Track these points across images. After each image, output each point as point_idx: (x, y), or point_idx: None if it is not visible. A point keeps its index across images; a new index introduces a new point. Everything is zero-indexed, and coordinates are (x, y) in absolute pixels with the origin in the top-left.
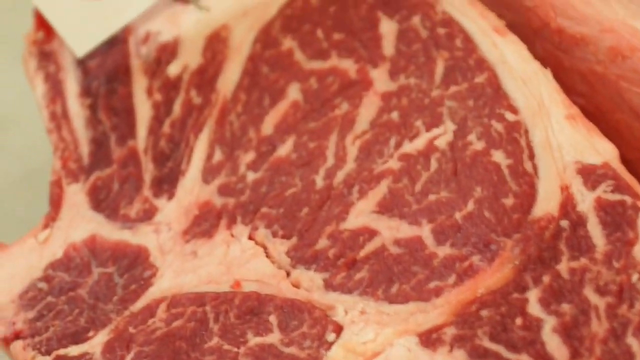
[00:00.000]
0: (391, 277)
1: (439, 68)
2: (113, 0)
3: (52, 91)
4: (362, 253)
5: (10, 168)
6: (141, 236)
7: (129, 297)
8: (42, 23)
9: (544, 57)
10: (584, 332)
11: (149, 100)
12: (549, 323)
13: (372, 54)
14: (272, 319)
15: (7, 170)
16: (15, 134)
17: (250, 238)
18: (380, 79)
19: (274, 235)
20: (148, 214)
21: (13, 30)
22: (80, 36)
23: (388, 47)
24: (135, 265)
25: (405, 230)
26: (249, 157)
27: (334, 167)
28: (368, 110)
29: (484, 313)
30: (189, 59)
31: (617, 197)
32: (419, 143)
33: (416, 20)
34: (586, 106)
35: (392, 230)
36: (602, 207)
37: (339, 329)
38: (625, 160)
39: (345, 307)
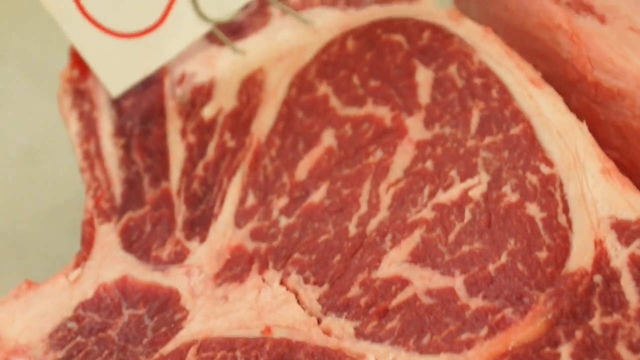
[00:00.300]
0: (423, 327)
1: (475, 118)
2: (149, 40)
3: (86, 130)
4: (394, 302)
5: (39, 202)
6: (172, 278)
7: (159, 339)
8: (77, 61)
9: (579, 110)
10: None
11: (182, 142)
12: None
13: (408, 102)
14: None
15: (36, 204)
16: (45, 167)
17: (281, 284)
18: (415, 127)
19: (306, 281)
20: (180, 257)
21: (45, 63)
22: (116, 75)
23: (424, 95)
24: (166, 307)
25: (437, 280)
26: (282, 202)
27: (367, 214)
28: (402, 158)
29: None
30: (224, 101)
31: None
32: (453, 193)
33: (452, 69)
34: (620, 160)
35: (424, 280)
36: (636, 263)
37: None
38: None
39: (376, 356)
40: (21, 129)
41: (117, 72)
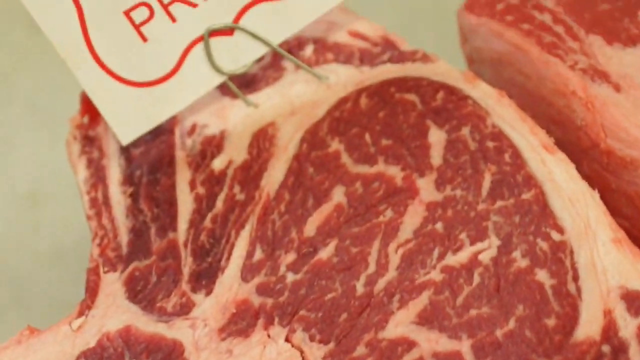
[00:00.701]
0: None
1: (486, 181)
2: (162, 90)
3: (94, 177)
4: None
5: (41, 245)
6: (177, 330)
7: None
8: (88, 107)
9: (591, 177)
10: None
11: (191, 193)
12: None
13: (420, 162)
14: None
15: (38, 248)
16: (47, 211)
17: (287, 340)
18: (427, 188)
19: (312, 339)
20: (185, 309)
21: (51, 106)
22: (127, 123)
23: (436, 156)
24: (169, 359)
25: (444, 343)
26: (290, 257)
27: (376, 274)
28: (412, 219)
29: None
30: (234, 154)
31: None
32: (463, 256)
33: (466, 131)
34: (631, 230)
35: (431, 343)
36: None
37: None
38: None
39: None
40: (25, 171)
41: (128, 120)
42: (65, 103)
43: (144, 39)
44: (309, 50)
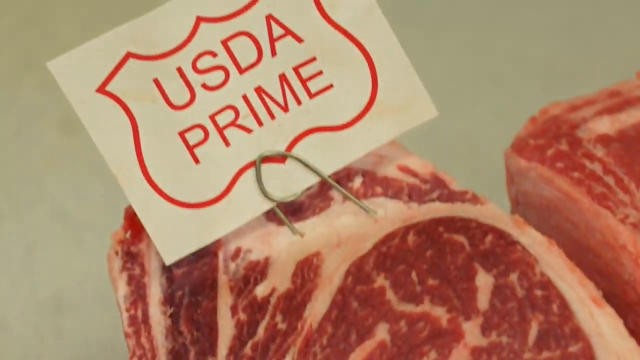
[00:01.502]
0: None
1: (533, 330)
2: (210, 212)
3: (135, 294)
4: None
5: (64, 353)
6: None
7: None
8: (132, 223)
9: (636, 332)
10: None
11: (233, 319)
12: None
13: (466, 305)
14: None
15: (60, 355)
16: (71, 317)
17: None
18: (472, 332)
19: None
20: None
21: (77, 211)
22: (172, 243)
23: (483, 300)
24: None
25: None
26: None
27: None
28: None
29: None
30: (278, 282)
31: None
32: None
33: (514, 277)
34: None
35: None
36: None
37: None
38: None
39: None
40: (50, 275)
41: (174, 240)
42: (93, 209)
43: (197, 161)
44: (357, 182)
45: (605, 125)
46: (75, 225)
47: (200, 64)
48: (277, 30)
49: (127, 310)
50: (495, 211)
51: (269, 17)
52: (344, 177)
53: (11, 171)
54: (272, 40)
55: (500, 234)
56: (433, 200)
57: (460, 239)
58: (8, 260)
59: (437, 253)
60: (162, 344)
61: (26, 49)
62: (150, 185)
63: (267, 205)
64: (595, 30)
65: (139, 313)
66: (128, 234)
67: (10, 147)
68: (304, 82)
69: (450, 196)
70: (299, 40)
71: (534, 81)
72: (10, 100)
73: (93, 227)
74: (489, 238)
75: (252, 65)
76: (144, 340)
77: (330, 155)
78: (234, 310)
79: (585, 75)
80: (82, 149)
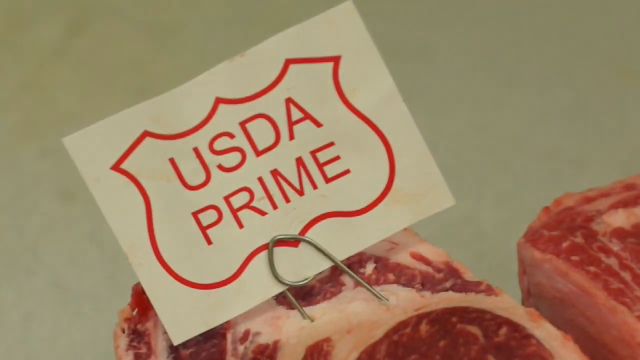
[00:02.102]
0: None
1: None
2: (220, 294)
3: None
4: None
5: None
6: None
7: None
8: (139, 301)
9: None
10: None
11: None
12: None
13: None
14: None
15: None
16: None
17: None
18: None
19: None
20: None
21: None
22: (181, 323)
23: None
24: None
25: None
26: None
27: None
28: None
29: None
30: None
31: None
32: None
33: None
34: None
35: None
36: None
37: None
38: None
39: None
40: (46, 347)
41: (183, 320)
42: (90, 280)
43: (209, 242)
44: (369, 268)
45: (620, 219)
46: (71, 295)
47: (217, 145)
48: (296, 114)
49: None
50: (510, 303)
51: (289, 100)
52: (356, 262)
53: (8, 238)
54: (291, 124)
55: (515, 327)
56: (446, 289)
57: (474, 330)
58: (4, 330)
59: (450, 344)
60: None
61: (25, 114)
62: (161, 264)
63: (278, 289)
64: (602, 115)
65: None
66: (135, 312)
67: (8, 214)
68: (320, 166)
69: (464, 286)
70: (318, 124)
71: (539, 165)
72: (9, 166)
73: (90, 297)
74: (503, 330)
75: (270, 148)
76: None
77: (344, 241)
78: None
79: (591, 161)
80: (80, 218)
